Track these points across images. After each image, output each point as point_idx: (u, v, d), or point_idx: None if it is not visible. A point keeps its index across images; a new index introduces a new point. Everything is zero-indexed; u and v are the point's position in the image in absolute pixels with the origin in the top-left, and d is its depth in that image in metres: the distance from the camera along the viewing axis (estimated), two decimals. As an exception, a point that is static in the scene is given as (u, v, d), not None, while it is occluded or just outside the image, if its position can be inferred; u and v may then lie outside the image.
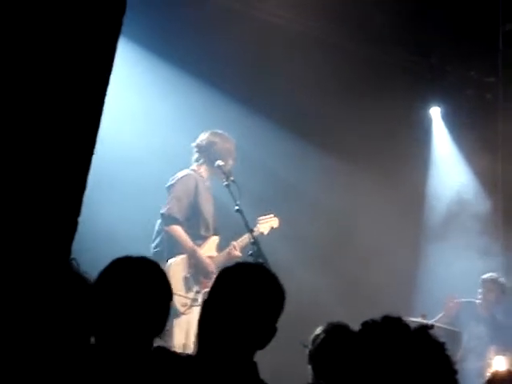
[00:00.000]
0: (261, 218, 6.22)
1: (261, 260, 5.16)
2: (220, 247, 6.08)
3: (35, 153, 2.45)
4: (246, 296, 2.46)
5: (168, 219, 5.87)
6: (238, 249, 5.90)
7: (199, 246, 5.90)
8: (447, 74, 8.44)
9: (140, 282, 2.60)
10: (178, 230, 5.84)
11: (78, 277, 2.44)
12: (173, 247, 5.85)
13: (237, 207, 5.57)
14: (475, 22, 7.44)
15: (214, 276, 5.65)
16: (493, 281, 7.23)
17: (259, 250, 5.25)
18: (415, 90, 8.39)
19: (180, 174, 6.04)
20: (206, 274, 5.72)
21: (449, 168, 8.65)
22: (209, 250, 5.97)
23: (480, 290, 7.24)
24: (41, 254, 2.44)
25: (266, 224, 6.21)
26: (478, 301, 7.27)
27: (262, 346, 2.52)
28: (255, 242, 5.37)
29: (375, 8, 7.45)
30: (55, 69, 2.78)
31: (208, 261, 5.84)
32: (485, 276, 7.27)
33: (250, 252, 5.32)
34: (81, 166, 2.54)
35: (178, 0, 7.04)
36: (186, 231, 5.87)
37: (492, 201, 8.34)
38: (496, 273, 7.34)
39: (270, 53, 7.29)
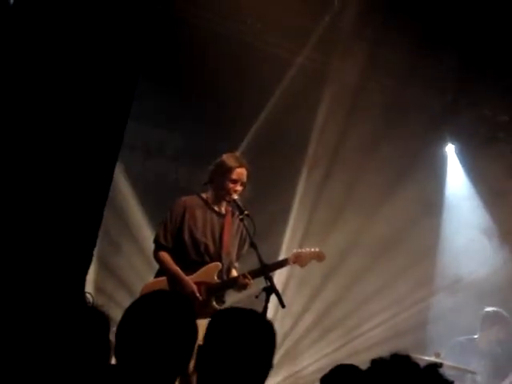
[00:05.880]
0: (300, 250, 6.16)
1: (275, 295, 5.17)
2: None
3: (52, 191, 2.51)
4: (238, 341, 2.54)
5: (155, 245, 5.94)
6: (249, 278, 5.83)
7: (193, 270, 5.88)
8: (461, 112, 8.50)
9: (168, 319, 2.63)
10: (162, 255, 5.88)
11: (92, 310, 2.46)
12: (161, 272, 5.90)
13: (251, 241, 5.60)
14: (489, 61, 7.51)
15: (198, 300, 5.66)
16: (496, 314, 7.25)
17: (272, 285, 5.25)
18: (430, 127, 8.47)
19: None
20: None
21: (463, 208, 8.70)
22: (205, 275, 5.91)
23: (482, 323, 7.30)
24: (56, 287, 2.48)
25: (306, 257, 6.14)
26: (476, 336, 7.32)
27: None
28: (268, 277, 5.36)
29: (390, 46, 7.55)
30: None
31: (187, 283, 5.78)
32: (488, 309, 7.32)
33: (263, 287, 5.31)
34: (97, 203, 2.60)
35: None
36: (175, 256, 5.89)
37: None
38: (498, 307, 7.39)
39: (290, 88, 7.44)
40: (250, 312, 2.78)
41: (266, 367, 2.56)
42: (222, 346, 2.53)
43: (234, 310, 2.73)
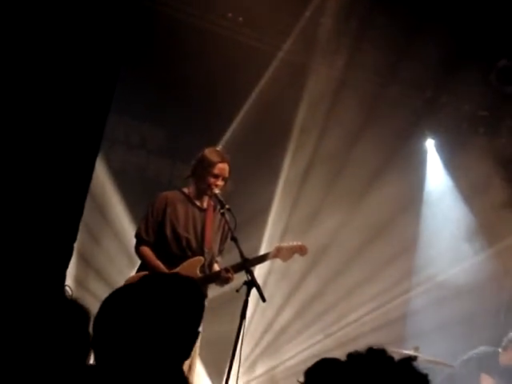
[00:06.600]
0: (282, 244, 6.15)
1: (256, 289, 5.20)
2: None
3: (35, 181, 2.51)
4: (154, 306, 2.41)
5: (137, 240, 5.92)
6: (232, 272, 5.81)
7: (175, 265, 5.86)
8: (442, 107, 8.55)
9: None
10: (144, 250, 5.86)
11: (72, 303, 2.46)
12: (143, 266, 5.89)
13: (232, 235, 5.61)
14: (470, 57, 7.56)
15: None
16: None
17: (253, 279, 5.28)
18: (410, 122, 8.50)
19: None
20: None
21: (443, 203, 8.74)
22: (187, 269, 5.88)
23: (508, 343, 7.07)
24: (37, 280, 2.48)
25: (288, 251, 6.12)
26: (500, 349, 7.12)
27: (186, 356, 2.46)
28: (249, 271, 5.38)
29: (371, 42, 7.60)
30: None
31: None
32: None
33: (244, 281, 5.32)
34: (77, 197, 2.60)
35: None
36: (157, 251, 5.86)
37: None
38: None
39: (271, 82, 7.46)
40: (171, 276, 2.62)
41: (190, 334, 2.44)
42: (140, 313, 2.39)
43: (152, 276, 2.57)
